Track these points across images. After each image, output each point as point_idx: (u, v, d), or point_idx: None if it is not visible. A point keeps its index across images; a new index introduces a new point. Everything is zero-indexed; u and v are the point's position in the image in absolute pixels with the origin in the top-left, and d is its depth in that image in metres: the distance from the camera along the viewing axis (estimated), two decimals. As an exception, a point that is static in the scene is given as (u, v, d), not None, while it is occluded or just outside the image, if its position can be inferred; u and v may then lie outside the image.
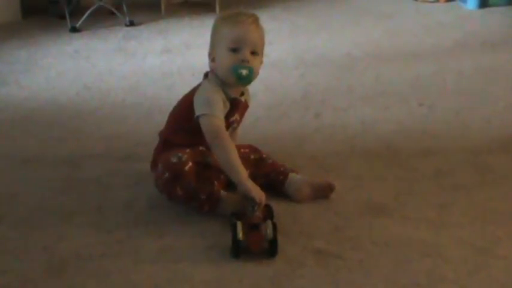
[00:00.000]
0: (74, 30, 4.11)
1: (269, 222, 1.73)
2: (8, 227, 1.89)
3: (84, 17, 4.15)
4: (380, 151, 2.34)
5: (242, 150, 2.05)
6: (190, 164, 1.88)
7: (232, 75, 1.90)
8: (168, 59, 3.52)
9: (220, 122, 1.90)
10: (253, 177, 1.99)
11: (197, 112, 1.90)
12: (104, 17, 4.35)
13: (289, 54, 3.59)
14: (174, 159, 1.89)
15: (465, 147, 2.36)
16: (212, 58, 1.96)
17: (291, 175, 2.03)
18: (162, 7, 4.57)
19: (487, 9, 4.44)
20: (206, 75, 2.00)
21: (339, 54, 3.57)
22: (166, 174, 1.90)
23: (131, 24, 4.24)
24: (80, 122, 2.69)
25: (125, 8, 4.29)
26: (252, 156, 2.07)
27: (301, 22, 4.29)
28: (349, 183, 2.09)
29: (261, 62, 1.98)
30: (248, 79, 1.91)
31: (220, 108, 1.91)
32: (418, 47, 3.69)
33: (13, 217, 1.95)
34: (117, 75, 3.30)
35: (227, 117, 1.95)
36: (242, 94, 2.01)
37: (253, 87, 3.00)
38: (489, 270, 1.65)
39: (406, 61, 3.43)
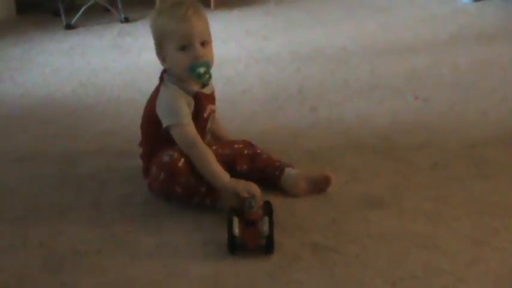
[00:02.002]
0: (68, 27, 4.10)
1: (266, 219, 1.72)
2: (4, 223, 1.89)
3: (79, 13, 4.14)
4: (376, 144, 2.34)
5: (236, 145, 2.06)
6: (182, 159, 1.87)
7: (192, 77, 1.88)
8: (163, 55, 3.50)
9: (190, 128, 1.89)
10: (249, 172, 2.00)
11: (164, 123, 1.89)
12: (99, 13, 4.34)
13: (284, 48, 3.58)
14: (166, 158, 1.88)
15: (461, 140, 2.36)
16: (162, 58, 1.93)
17: (287, 170, 2.02)
18: (157, 3, 4.55)
19: (482, 2, 4.44)
20: (161, 77, 1.96)
21: (334, 48, 3.56)
22: (162, 175, 1.89)
23: (126, 20, 4.23)
24: (75, 119, 2.69)
25: (119, 4, 4.28)
26: (246, 152, 2.05)
27: (295, 16, 4.28)
28: (345, 177, 2.09)
29: (212, 44, 1.93)
30: (208, 75, 1.89)
31: (186, 112, 1.89)
32: (413, 40, 3.69)
33: (9, 214, 1.95)
34: (112, 71, 3.30)
35: (198, 115, 1.93)
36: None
37: (248, 82, 3.02)
38: (486, 262, 1.65)
39: (401, 54, 3.43)
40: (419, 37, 3.74)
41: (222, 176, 1.85)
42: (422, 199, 1.96)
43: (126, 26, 4.15)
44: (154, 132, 1.97)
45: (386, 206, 1.93)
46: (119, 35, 3.96)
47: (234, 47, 3.58)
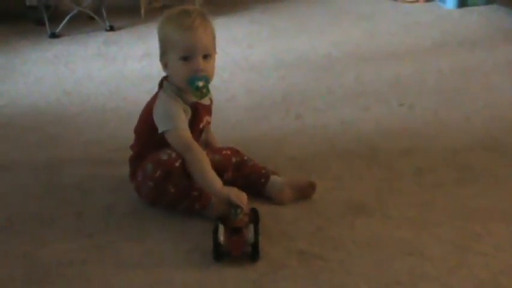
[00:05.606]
0: (53, 35, 4.09)
1: (251, 227, 1.73)
2: (-13, 234, 1.88)
3: (64, 22, 4.13)
4: (360, 151, 2.35)
5: (224, 152, 2.06)
6: (180, 160, 1.85)
7: (190, 88, 1.88)
8: (148, 64, 3.50)
9: (186, 133, 1.88)
10: (234, 179, 2.00)
11: (160, 128, 1.88)
12: (84, 22, 4.33)
13: (269, 56, 3.59)
14: (164, 157, 1.86)
15: (445, 146, 2.37)
16: (164, 64, 1.93)
17: (273, 177, 2.02)
18: (142, 12, 4.55)
19: (465, 9, 4.47)
20: (161, 83, 1.96)
21: (319, 56, 3.57)
22: (158, 173, 1.87)
23: (111, 29, 4.22)
24: (59, 128, 2.67)
25: (104, 13, 4.27)
26: (234, 159, 2.05)
27: (280, 24, 4.30)
28: (330, 184, 2.09)
29: (215, 57, 1.95)
30: (206, 89, 1.88)
31: (182, 118, 1.89)
32: (397, 46, 3.70)
33: (-7, 224, 1.93)
34: (97, 80, 3.29)
35: (193, 125, 1.93)
36: None
37: (233, 90, 3.02)
38: (470, 267, 1.66)
39: (385, 61, 3.44)
40: (403, 44, 3.76)
41: (216, 182, 1.84)
42: (406, 205, 1.97)
43: (111, 35, 4.14)
44: (147, 138, 1.96)
45: (370, 212, 1.93)
46: (103, 43, 3.96)
47: (219, 55, 3.57)
